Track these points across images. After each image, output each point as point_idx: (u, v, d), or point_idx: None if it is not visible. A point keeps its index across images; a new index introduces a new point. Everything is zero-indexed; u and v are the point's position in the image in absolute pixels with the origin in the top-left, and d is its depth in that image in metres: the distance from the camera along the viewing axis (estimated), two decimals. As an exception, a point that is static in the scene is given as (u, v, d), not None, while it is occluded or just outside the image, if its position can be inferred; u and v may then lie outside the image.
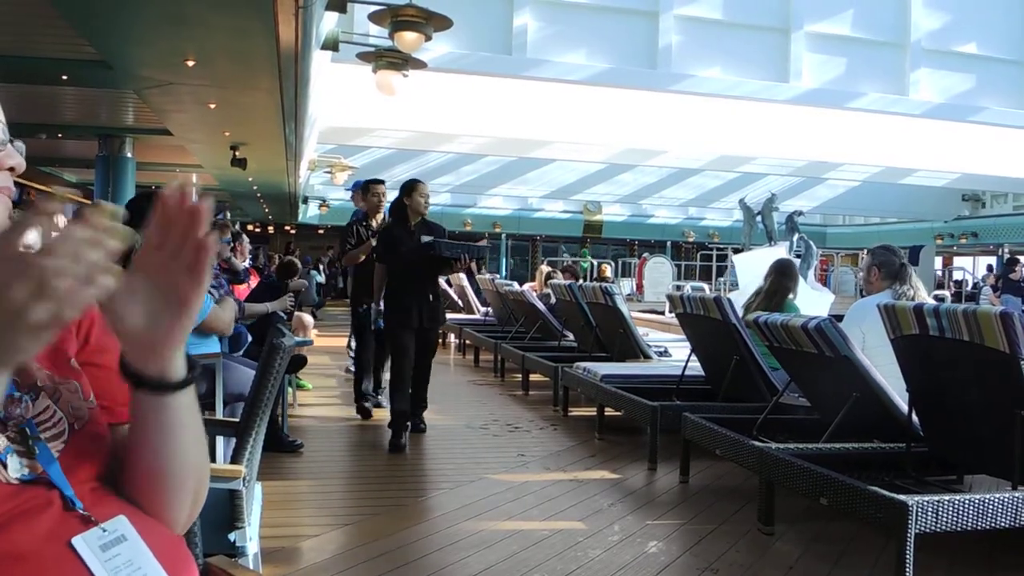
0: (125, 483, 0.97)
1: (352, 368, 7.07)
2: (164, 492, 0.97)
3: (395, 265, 5.16)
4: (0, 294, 0.70)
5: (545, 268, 11.99)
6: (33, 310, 0.71)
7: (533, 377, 7.33)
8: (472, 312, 11.97)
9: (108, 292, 0.75)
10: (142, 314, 0.86)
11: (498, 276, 19.59)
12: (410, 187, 5.25)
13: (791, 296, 5.31)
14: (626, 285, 22.10)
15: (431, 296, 5.20)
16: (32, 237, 0.73)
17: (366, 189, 6.22)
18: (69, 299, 0.72)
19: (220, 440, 3.42)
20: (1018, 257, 15.29)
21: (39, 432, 0.90)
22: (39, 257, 0.71)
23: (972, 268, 27.33)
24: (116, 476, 0.97)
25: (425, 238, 5.11)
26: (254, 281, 6.98)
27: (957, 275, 26.15)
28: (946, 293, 18.56)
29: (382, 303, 5.41)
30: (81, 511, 0.88)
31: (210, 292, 4.72)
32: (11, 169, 0.94)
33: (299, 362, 5.52)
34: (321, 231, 28.61)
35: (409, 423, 5.13)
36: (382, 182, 6.29)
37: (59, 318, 0.72)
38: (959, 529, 2.80)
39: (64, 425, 0.93)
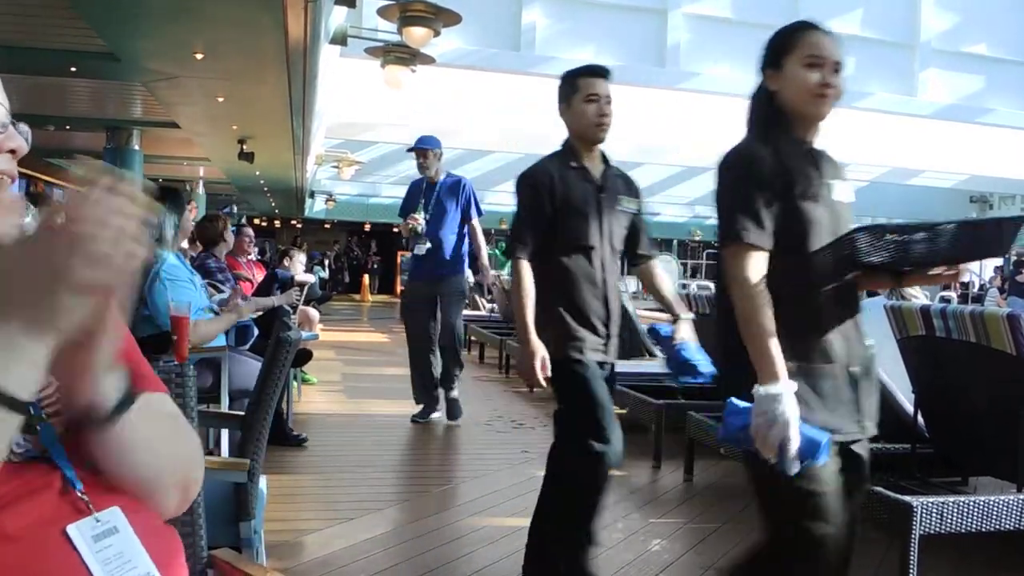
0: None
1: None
2: (143, 494, 0.96)
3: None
4: (65, 261, 0.74)
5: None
6: (90, 276, 0.75)
7: (538, 374, 7.31)
8: (477, 308, 11.98)
9: (140, 261, 0.79)
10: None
11: (504, 273, 19.60)
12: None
13: None
14: (632, 283, 22.08)
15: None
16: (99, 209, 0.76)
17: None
18: (120, 266, 0.77)
19: (225, 433, 3.43)
20: (1025, 259, 15.22)
21: (43, 411, 0.90)
22: (96, 226, 0.75)
23: (979, 269, 27.22)
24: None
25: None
26: (260, 274, 6.99)
27: (963, 276, 26.03)
28: (952, 295, 18.50)
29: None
30: (80, 493, 0.88)
31: (212, 286, 4.73)
32: (12, 152, 0.94)
33: (304, 356, 5.53)
34: (328, 226, 28.61)
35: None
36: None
37: (109, 285, 0.77)
38: (963, 531, 2.80)
39: None
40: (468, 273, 5.91)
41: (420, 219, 5.39)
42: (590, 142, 2.65)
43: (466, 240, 5.55)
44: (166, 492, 0.99)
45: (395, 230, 9.42)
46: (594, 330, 2.63)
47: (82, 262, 0.74)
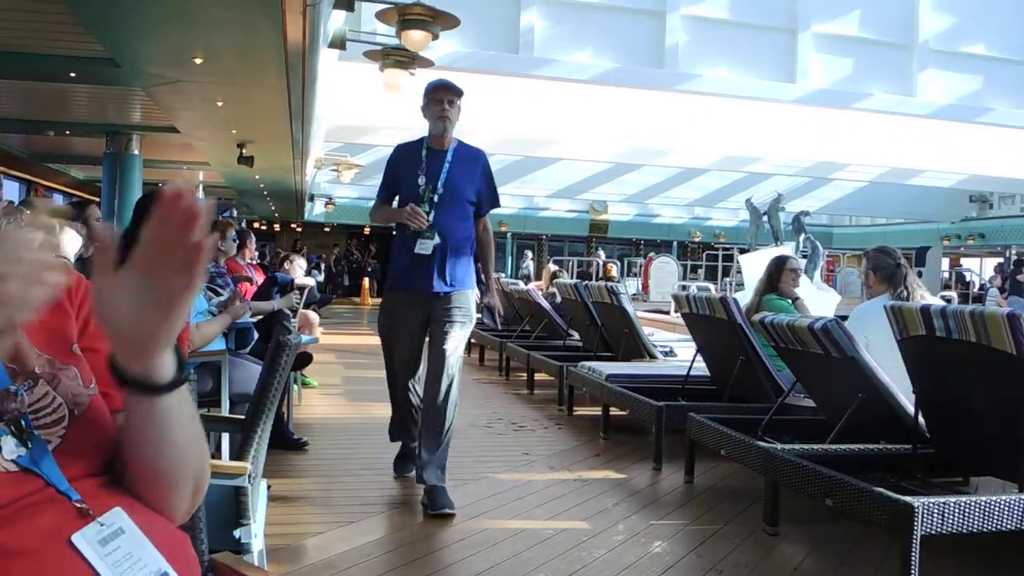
0: (124, 475, 0.97)
1: None
2: (162, 486, 0.97)
3: None
4: None
5: (551, 267, 11.98)
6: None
7: (538, 376, 7.33)
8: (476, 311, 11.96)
9: (56, 289, 0.76)
10: (130, 310, 0.85)
11: (503, 275, 19.60)
12: None
13: (772, 295, 5.26)
14: (631, 284, 22.09)
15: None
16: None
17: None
18: (18, 302, 0.73)
19: (225, 437, 3.43)
20: (1025, 259, 15.22)
21: (36, 422, 0.90)
22: (4, 264, 0.71)
23: (979, 269, 27.23)
24: (117, 465, 0.97)
25: None
26: (260, 278, 7.00)
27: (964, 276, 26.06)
28: (952, 294, 18.51)
29: None
30: (78, 503, 0.88)
31: (211, 290, 4.73)
32: None
33: (304, 359, 5.53)
34: (327, 229, 28.63)
35: None
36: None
37: (12, 322, 0.74)
38: (965, 531, 2.80)
39: (64, 411, 0.93)
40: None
41: (424, 215, 3.74)
42: None
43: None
44: (185, 484, 0.99)
45: (365, 231, 8.88)
46: None
47: None
